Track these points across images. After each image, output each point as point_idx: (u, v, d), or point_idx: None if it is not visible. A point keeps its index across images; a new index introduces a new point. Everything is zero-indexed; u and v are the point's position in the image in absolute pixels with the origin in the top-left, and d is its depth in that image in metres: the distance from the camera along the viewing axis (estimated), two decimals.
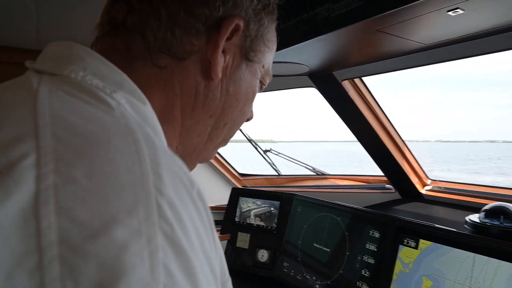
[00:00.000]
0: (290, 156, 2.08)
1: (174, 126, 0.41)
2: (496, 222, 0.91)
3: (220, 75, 0.41)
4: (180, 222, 0.26)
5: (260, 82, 0.49)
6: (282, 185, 2.11)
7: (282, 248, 1.35)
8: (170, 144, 0.42)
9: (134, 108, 0.32)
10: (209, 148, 0.47)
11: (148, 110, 0.35)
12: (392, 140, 1.56)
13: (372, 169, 1.83)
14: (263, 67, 0.48)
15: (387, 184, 1.78)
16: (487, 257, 0.83)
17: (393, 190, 1.73)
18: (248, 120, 0.52)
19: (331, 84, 1.37)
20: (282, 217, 1.41)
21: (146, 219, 0.24)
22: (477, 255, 0.84)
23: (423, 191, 1.64)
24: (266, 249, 1.38)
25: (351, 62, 1.22)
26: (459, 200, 1.48)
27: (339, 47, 1.06)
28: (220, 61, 0.41)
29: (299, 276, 1.24)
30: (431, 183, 1.69)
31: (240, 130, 1.99)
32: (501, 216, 0.90)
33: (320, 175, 2.11)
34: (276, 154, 2.09)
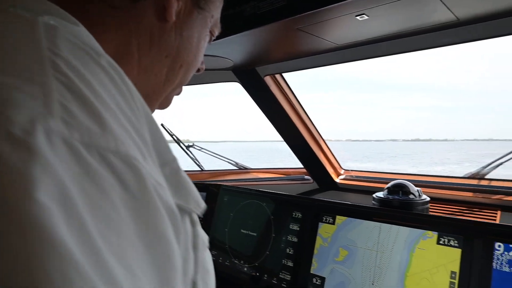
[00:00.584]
0: (213, 151, 2.12)
1: (131, 63, 0.43)
2: (396, 197, 1.07)
3: (174, 17, 0.44)
4: (81, 78, 0.26)
5: (210, 32, 0.53)
6: (206, 180, 2.14)
7: (210, 237, 1.39)
8: None
9: (64, 27, 0.31)
10: (167, 90, 0.49)
11: (82, 30, 0.35)
12: (310, 133, 1.70)
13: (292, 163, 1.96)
14: (212, 17, 0.52)
15: (306, 175, 1.93)
16: (389, 225, 0.97)
17: (311, 181, 1.88)
18: (199, 71, 0.56)
19: (254, 79, 1.45)
20: (208, 207, 1.45)
21: (39, 70, 0.25)
22: (382, 224, 0.98)
23: (337, 180, 1.80)
24: None
25: (273, 59, 1.31)
26: (367, 186, 1.67)
27: (263, 43, 1.15)
28: (174, 4, 0.44)
29: (228, 262, 1.29)
30: (344, 172, 1.88)
31: (162, 125, 1.99)
32: (400, 191, 1.07)
33: (243, 169, 2.19)
34: (199, 150, 2.12)
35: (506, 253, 0.81)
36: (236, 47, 1.19)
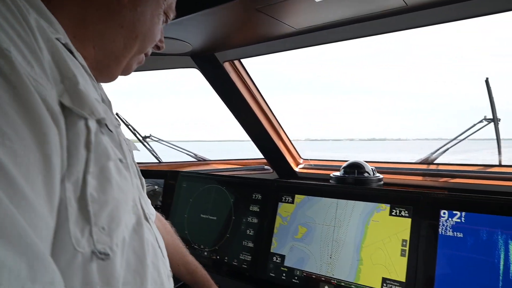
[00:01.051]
0: (171, 142, 2.08)
1: (89, 30, 0.48)
2: (352, 175, 1.11)
3: None
4: None
5: (165, 13, 0.57)
6: None
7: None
8: (87, 46, 0.49)
9: None
10: (126, 56, 0.54)
11: None
12: (270, 122, 1.72)
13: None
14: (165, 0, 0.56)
15: (266, 165, 1.95)
16: (346, 200, 1.01)
17: (271, 170, 1.90)
18: (159, 48, 0.62)
19: (213, 65, 1.45)
20: (167, 194, 1.43)
21: None
22: (339, 200, 1.02)
23: (297, 169, 1.84)
24: None
25: (232, 43, 1.31)
26: (326, 174, 1.71)
27: (222, 25, 1.15)
28: None
29: (187, 248, 1.27)
30: (303, 162, 1.92)
31: (117, 115, 1.93)
32: (355, 170, 1.11)
33: (202, 161, 2.17)
34: (156, 141, 2.07)
35: (450, 219, 0.86)
36: (194, 29, 1.18)
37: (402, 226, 0.91)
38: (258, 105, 1.65)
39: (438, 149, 1.65)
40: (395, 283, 0.88)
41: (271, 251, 1.09)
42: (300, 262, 1.02)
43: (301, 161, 1.91)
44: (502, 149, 1.51)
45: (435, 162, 1.67)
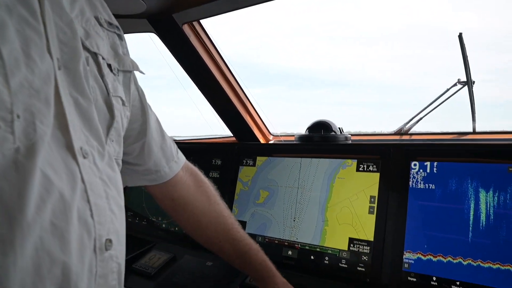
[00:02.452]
0: None
1: None
2: (318, 133, 1.03)
3: None
4: None
5: None
6: None
7: (125, 198, 1.26)
8: None
9: None
10: None
11: None
12: (236, 94, 1.62)
13: None
14: None
15: (235, 142, 1.85)
16: (309, 159, 0.92)
17: None
18: None
19: (171, 28, 1.33)
20: None
21: None
22: (303, 159, 0.93)
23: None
24: None
25: (190, 1, 1.21)
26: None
27: None
28: None
29: (144, 221, 1.17)
30: (273, 138, 1.83)
31: None
32: (322, 129, 1.03)
33: None
34: None
35: (421, 170, 0.79)
36: None
37: (370, 182, 0.83)
38: (222, 74, 1.54)
39: (411, 119, 1.59)
40: (363, 243, 0.80)
41: None
42: (262, 228, 0.94)
43: (270, 137, 1.83)
44: (476, 115, 1.46)
45: (409, 132, 1.62)
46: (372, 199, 0.82)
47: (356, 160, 0.86)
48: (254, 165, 1.01)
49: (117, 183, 0.49)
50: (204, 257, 0.97)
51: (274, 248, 0.90)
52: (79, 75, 0.43)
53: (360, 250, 0.80)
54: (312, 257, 0.85)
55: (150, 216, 1.16)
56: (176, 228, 1.09)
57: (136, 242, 1.13)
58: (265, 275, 0.69)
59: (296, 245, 0.88)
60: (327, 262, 0.83)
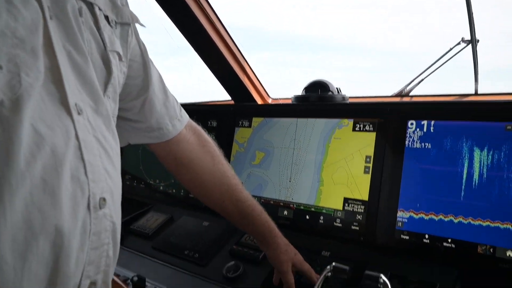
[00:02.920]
0: None
1: None
2: (315, 93, 1.01)
3: None
4: None
5: None
6: None
7: (122, 162, 1.27)
8: None
9: None
10: None
11: None
12: (234, 56, 1.58)
13: None
14: None
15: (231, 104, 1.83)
16: (305, 119, 0.91)
17: None
18: None
19: None
20: None
21: None
22: (299, 119, 0.92)
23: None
24: None
25: None
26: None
27: None
28: None
29: (142, 184, 1.18)
30: (272, 101, 1.80)
31: None
32: (319, 89, 1.00)
33: None
34: None
35: (418, 129, 0.78)
36: None
37: (366, 142, 0.82)
38: (220, 37, 1.50)
39: (412, 80, 1.56)
40: (358, 202, 0.80)
41: None
42: (258, 188, 0.94)
43: (270, 100, 1.80)
44: (480, 77, 1.43)
45: (410, 94, 1.59)
46: (368, 159, 0.81)
47: (352, 120, 0.85)
48: (250, 126, 1.00)
49: (112, 142, 0.47)
50: (201, 218, 0.98)
51: (269, 208, 0.90)
52: (71, 26, 0.40)
53: (354, 210, 0.80)
54: (307, 217, 0.86)
55: (147, 179, 1.17)
56: (174, 190, 1.10)
57: (135, 204, 1.14)
58: (267, 235, 0.69)
59: (292, 205, 0.88)
60: (322, 221, 0.84)
